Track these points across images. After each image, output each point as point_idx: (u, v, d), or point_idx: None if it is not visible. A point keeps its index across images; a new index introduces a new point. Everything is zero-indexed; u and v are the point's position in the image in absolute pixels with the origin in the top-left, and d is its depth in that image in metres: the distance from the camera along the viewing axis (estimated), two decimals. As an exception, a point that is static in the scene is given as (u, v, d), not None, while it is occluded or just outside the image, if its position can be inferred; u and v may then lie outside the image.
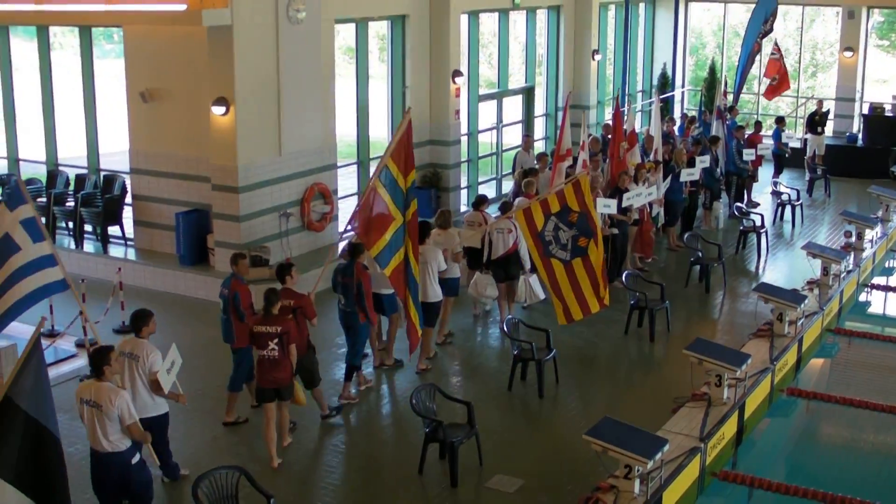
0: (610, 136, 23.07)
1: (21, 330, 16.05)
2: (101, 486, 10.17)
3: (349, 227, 13.89)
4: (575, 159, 20.16)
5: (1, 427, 7.97)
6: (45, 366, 8.26)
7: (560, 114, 27.57)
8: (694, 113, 29.60)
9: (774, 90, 28.63)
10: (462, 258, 16.12)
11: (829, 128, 30.38)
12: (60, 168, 21.27)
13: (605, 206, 17.68)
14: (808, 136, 27.98)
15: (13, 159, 22.08)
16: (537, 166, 20.55)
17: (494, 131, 25.48)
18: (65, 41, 23.61)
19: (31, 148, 22.04)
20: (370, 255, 13.27)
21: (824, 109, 28.42)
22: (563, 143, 19.97)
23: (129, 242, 19.89)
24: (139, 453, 10.26)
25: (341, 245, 16.66)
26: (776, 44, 28.82)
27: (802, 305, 15.78)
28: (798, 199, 23.78)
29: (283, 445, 12.65)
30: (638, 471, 10.69)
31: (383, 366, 15.21)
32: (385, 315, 15.20)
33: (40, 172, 21.75)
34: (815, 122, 27.82)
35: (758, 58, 29.15)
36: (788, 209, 23.59)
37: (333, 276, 14.23)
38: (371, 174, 21.06)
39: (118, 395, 9.88)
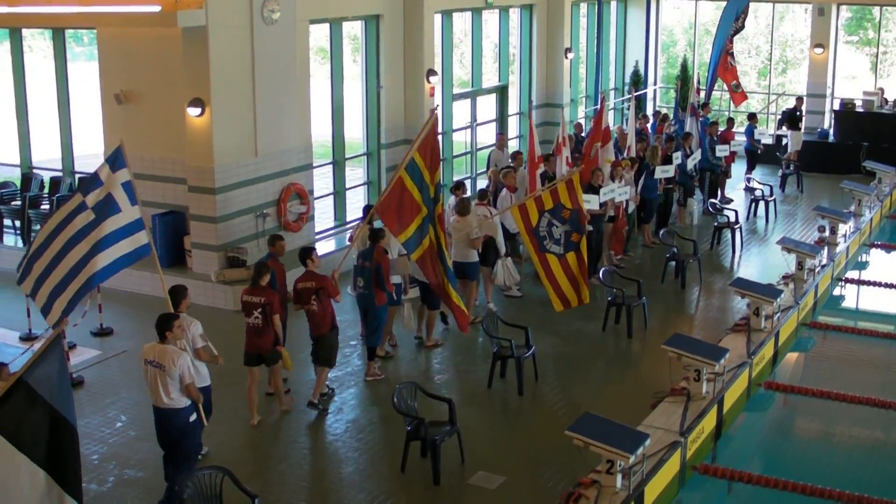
0: (582, 135, 23.24)
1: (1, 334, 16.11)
2: (162, 438, 11.24)
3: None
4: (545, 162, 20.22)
5: (16, 407, 7.97)
6: (65, 361, 8.27)
7: (534, 112, 27.73)
8: (667, 110, 29.74)
9: (742, 95, 28.72)
10: (479, 245, 16.63)
11: (801, 124, 30.61)
12: (35, 171, 21.17)
13: (586, 202, 17.76)
14: (789, 132, 28.15)
15: (-13, 162, 22.02)
16: (512, 164, 20.61)
17: (469, 130, 25.54)
18: (34, 44, 23.52)
19: (5, 151, 21.92)
20: (399, 241, 13.87)
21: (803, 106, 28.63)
22: (533, 151, 19.91)
23: (105, 245, 19.78)
24: (195, 413, 11.20)
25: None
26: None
27: (778, 300, 15.91)
28: (771, 195, 23.96)
29: (281, 409, 13.70)
30: (620, 465, 10.76)
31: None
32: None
33: (15, 175, 21.65)
34: (796, 118, 27.99)
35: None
36: (762, 205, 23.78)
37: (356, 259, 14.92)
38: (380, 172, 21.21)
39: (180, 357, 10.94)
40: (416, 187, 13.52)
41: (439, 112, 18.49)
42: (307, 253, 13.77)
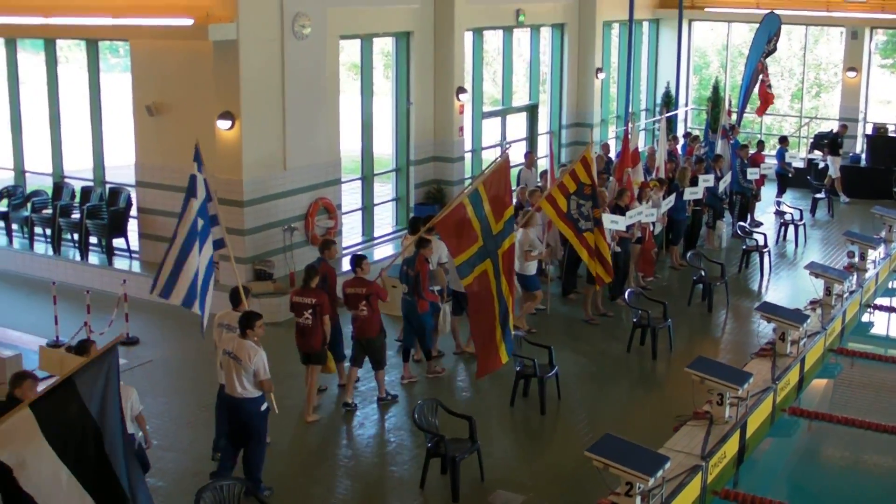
0: (609, 155, 23.24)
1: (26, 340, 16.20)
2: (228, 423, 11.89)
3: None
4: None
5: (57, 402, 7.98)
6: (117, 372, 8.26)
7: (564, 132, 27.76)
8: (698, 132, 29.66)
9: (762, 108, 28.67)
10: (534, 258, 17.00)
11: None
12: (66, 180, 21.33)
13: (613, 223, 17.79)
14: (829, 157, 27.99)
15: (20, 171, 22.17)
16: (540, 184, 20.61)
17: (498, 148, 25.56)
18: (71, 55, 23.71)
19: (38, 160, 22.11)
20: (454, 264, 13.88)
21: (845, 133, 28.50)
22: (553, 174, 19.87)
23: (134, 255, 19.93)
24: (266, 403, 11.78)
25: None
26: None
27: (805, 325, 15.80)
28: (801, 219, 23.81)
29: (307, 420, 13.93)
30: (639, 488, 10.69)
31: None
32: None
33: (46, 184, 21.82)
34: (838, 144, 27.83)
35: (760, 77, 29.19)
36: (791, 229, 23.64)
37: (402, 265, 15.44)
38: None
39: (256, 353, 11.52)
40: (476, 217, 13.42)
41: (458, 130, 18.82)
42: (358, 260, 14.30)
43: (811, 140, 31.22)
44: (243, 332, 11.65)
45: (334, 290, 14.58)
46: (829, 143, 28.18)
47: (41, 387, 9.84)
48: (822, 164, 28.74)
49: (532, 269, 17.11)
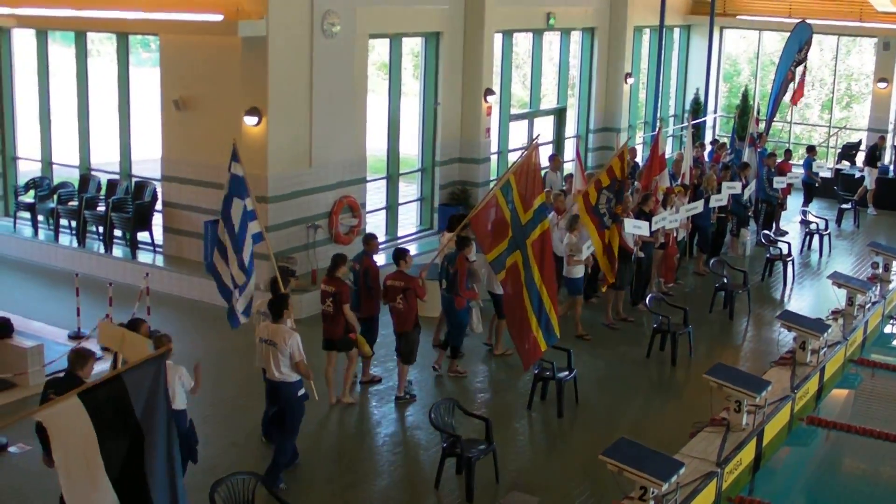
0: (636, 160, 23.22)
1: (48, 331, 16.30)
2: (270, 407, 12.60)
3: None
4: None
5: (105, 395, 8.07)
6: (164, 377, 8.31)
7: (591, 136, 27.75)
8: (726, 139, 29.57)
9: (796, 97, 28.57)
10: (577, 262, 17.13)
11: (860, 158, 30.37)
12: (93, 173, 21.47)
13: (636, 227, 17.77)
14: (867, 169, 27.86)
15: (47, 163, 22.33)
16: (565, 187, 20.61)
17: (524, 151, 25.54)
18: (102, 48, 23.87)
19: (66, 153, 22.27)
20: (487, 260, 14.21)
21: (884, 144, 28.36)
22: (575, 183, 19.82)
23: (157, 249, 20.05)
24: (304, 389, 12.19)
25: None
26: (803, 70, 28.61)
27: (826, 334, 15.71)
28: (826, 229, 23.71)
29: (343, 401, 14.45)
30: (653, 493, 10.67)
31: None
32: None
33: (73, 177, 21.97)
34: (876, 156, 27.69)
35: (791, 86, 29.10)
36: (816, 238, 23.55)
37: (443, 261, 15.71)
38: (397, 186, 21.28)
39: (291, 336, 11.92)
40: (507, 209, 13.58)
41: (485, 132, 18.99)
42: (402, 254, 14.66)
43: (839, 150, 31.10)
44: (277, 317, 12.13)
45: (376, 281, 14.92)
46: (868, 154, 28.01)
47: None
48: (858, 175, 28.60)
49: (577, 272, 17.21)
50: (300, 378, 12.09)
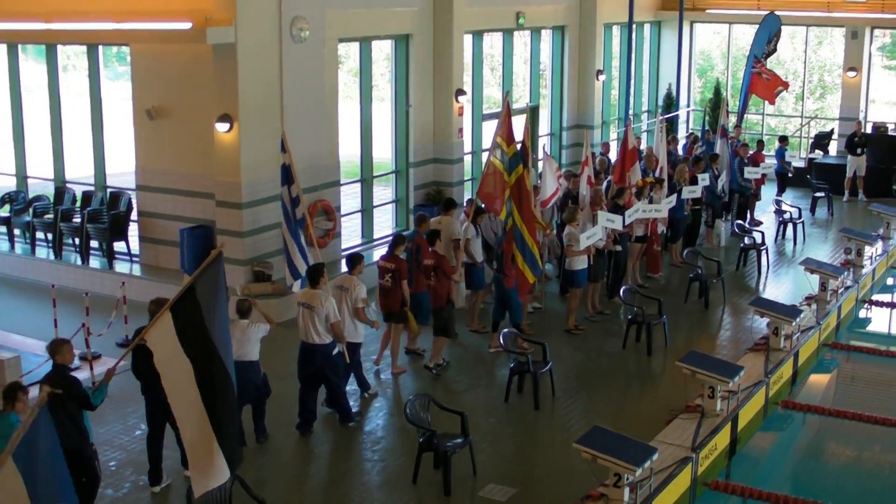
0: (609, 154, 23.34)
1: (26, 343, 16.33)
2: (304, 370, 13.52)
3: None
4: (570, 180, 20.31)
5: (187, 310, 9.27)
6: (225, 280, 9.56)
7: (565, 134, 27.88)
8: (698, 132, 29.75)
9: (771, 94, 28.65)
10: (576, 253, 17.31)
11: (832, 147, 30.60)
12: (68, 185, 21.50)
13: (609, 221, 17.88)
14: (849, 157, 27.99)
15: (21, 177, 22.35)
16: (537, 184, 20.70)
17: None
18: (77, 63, 23.91)
19: (40, 166, 22.31)
20: (500, 219, 16.54)
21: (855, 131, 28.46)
22: (546, 188, 19.74)
23: (134, 258, 20.07)
24: (338, 347, 13.55)
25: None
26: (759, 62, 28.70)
27: (798, 319, 15.88)
28: (800, 218, 23.88)
29: (393, 371, 15.69)
30: (627, 479, 10.80)
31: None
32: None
33: (49, 190, 22.00)
34: (855, 143, 27.81)
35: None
36: (790, 227, 23.72)
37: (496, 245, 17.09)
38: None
39: (327, 299, 13.26)
40: (504, 169, 16.19)
41: (458, 132, 19.51)
42: (436, 235, 15.85)
43: (812, 140, 31.32)
44: (314, 283, 13.47)
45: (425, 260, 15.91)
46: (847, 142, 28.09)
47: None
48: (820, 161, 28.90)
49: (578, 264, 17.29)
50: (333, 340, 13.34)
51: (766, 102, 30.35)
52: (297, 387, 14.08)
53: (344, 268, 15.68)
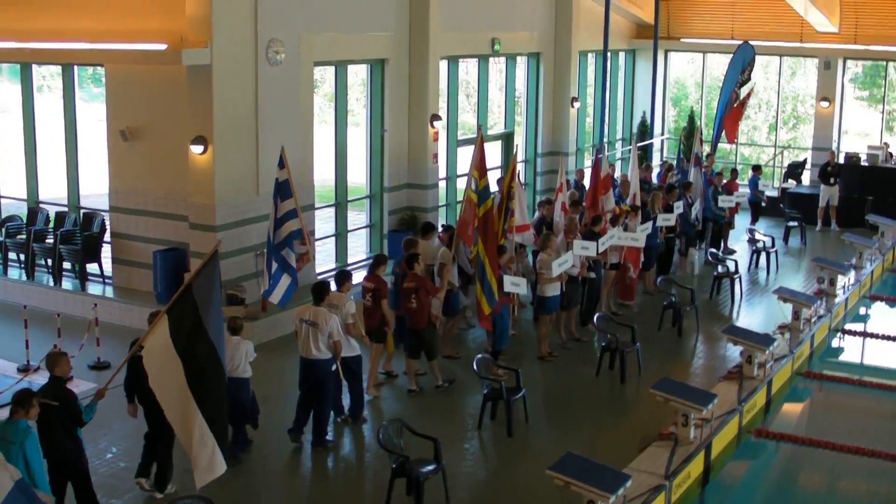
0: (583, 182, 23.36)
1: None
2: (303, 384, 13.90)
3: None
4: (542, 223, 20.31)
5: (183, 311, 9.59)
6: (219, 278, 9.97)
7: (539, 160, 27.92)
8: (673, 161, 29.88)
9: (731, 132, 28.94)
10: (548, 280, 17.25)
11: (805, 177, 30.77)
12: (41, 206, 21.38)
13: (584, 249, 17.88)
14: (822, 186, 28.13)
15: (-7, 196, 22.24)
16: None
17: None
18: (53, 83, 23.83)
19: (14, 186, 22.19)
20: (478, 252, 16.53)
21: (835, 160, 28.62)
22: (523, 215, 19.65)
23: (107, 280, 19.94)
24: (335, 365, 13.75)
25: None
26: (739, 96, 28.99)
27: (771, 347, 15.90)
28: (773, 247, 23.96)
29: (368, 391, 15.62)
30: (600, 506, 10.76)
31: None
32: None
33: (22, 210, 21.86)
34: (828, 172, 27.96)
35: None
36: (764, 256, 23.79)
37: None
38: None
39: (331, 317, 13.66)
40: (476, 200, 16.76)
41: (432, 157, 19.65)
42: (414, 258, 15.80)
43: (784, 170, 31.50)
44: (318, 301, 13.79)
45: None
46: (821, 171, 28.24)
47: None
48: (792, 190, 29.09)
49: (550, 290, 17.26)
50: (332, 356, 13.67)
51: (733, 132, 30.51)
52: (275, 409, 14.11)
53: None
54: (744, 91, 28.68)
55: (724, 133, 28.28)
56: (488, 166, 25.13)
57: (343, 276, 14.84)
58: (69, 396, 10.89)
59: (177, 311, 9.55)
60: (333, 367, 13.78)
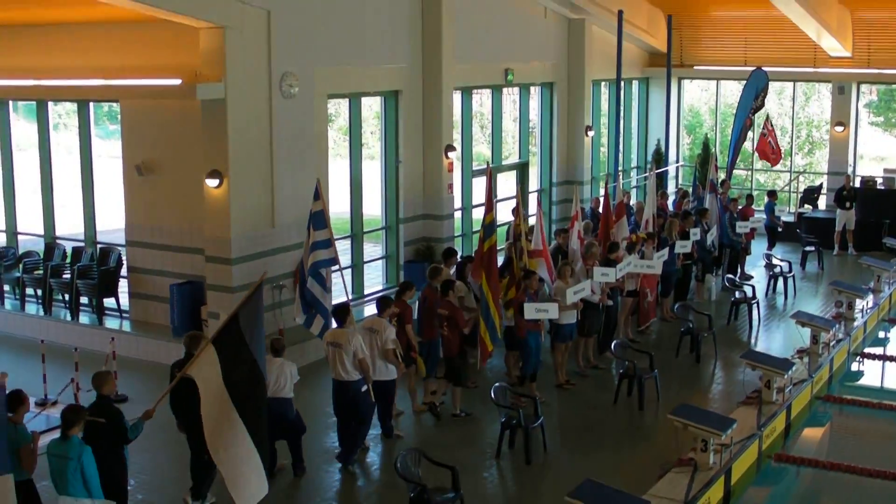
0: (599, 210, 23.37)
1: (14, 399, 16.16)
2: (338, 407, 14.15)
3: None
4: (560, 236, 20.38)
5: (231, 341, 9.72)
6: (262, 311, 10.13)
7: (555, 189, 27.96)
8: (689, 189, 29.86)
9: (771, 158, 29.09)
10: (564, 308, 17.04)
11: (822, 202, 30.72)
12: (58, 241, 21.49)
13: (604, 275, 17.87)
14: (838, 211, 28.15)
15: (11, 233, 22.32)
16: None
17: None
18: (68, 121, 24.00)
19: (30, 222, 22.35)
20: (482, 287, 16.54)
21: (850, 184, 28.58)
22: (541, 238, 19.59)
23: (124, 314, 20.00)
24: (366, 385, 13.88)
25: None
26: (768, 122, 29.17)
27: (790, 372, 15.84)
28: (790, 272, 23.91)
29: (413, 407, 16.27)
30: (620, 532, 10.71)
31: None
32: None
33: (39, 246, 21.97)
34: (844, 197, 27.95)
35: (750, 133, 29.53)
36: (781, 281, 23.73)
37: None
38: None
39: (354, 336, 13.81)
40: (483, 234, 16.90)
41: (448, 188, 19.63)
42: (449, 285, 15.98)
43: (800, 195, 31.47)
44: (341, 323, 14.39)
45: (433, 308, 16.21)
46: (837, 196, 28.23)
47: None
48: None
49: (565, 318, 17.11)
50: (361, 377, 13.82)
51: (753, 156, 30.53)
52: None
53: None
54: (758, 118, 28.74)
55: (767, 157, 28.66)
56: (504, 196, 25.46)
57: (385, 301, 14.96)
58: (115, 414, 11.17)
59: (224, 340, 9.74)
60: (364, 388, 13.93)
